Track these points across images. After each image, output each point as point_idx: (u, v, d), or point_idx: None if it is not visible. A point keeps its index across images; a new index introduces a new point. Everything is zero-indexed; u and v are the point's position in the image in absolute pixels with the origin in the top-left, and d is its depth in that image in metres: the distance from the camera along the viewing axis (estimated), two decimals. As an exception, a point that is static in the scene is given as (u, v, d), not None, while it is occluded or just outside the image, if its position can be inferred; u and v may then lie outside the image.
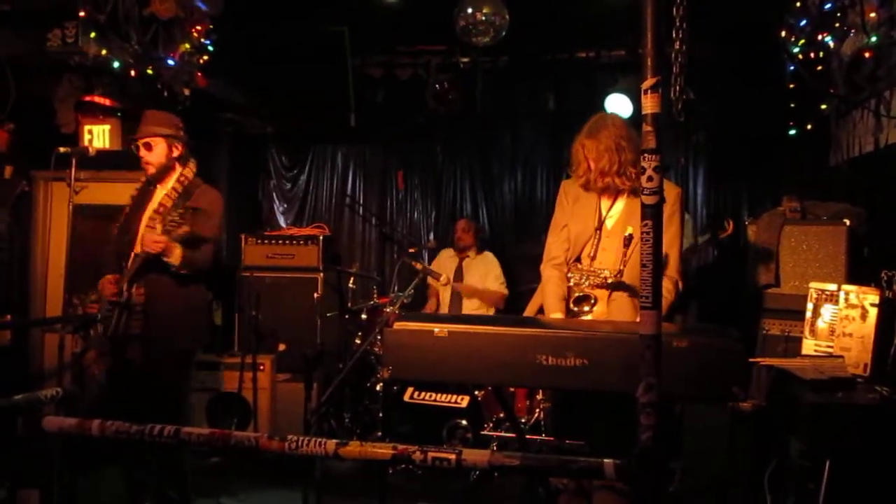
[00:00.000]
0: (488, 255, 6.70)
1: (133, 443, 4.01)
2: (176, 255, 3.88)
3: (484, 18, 6.03)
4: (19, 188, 5.51)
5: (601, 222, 3.54)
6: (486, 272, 6.58)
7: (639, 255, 1.89)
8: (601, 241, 3.54)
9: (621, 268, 3.41)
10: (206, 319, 4.33)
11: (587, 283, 3.50)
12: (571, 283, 3.56)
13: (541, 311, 3.70)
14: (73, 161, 3.83)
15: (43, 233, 5.74)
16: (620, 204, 3.54)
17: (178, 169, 4.14)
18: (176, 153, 4.11)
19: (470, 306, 6.45)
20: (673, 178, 6.61)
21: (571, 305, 3.52)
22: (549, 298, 3.58)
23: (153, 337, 3.97)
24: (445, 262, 6.68)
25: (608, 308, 3.47)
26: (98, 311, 4.02)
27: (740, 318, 4.68)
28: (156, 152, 4.05)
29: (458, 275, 6.56)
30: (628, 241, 3.33)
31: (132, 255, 3.96)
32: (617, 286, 3.43)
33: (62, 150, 3.82)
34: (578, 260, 3.59)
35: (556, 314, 3.50)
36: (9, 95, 4.95)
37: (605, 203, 3.57)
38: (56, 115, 5.02)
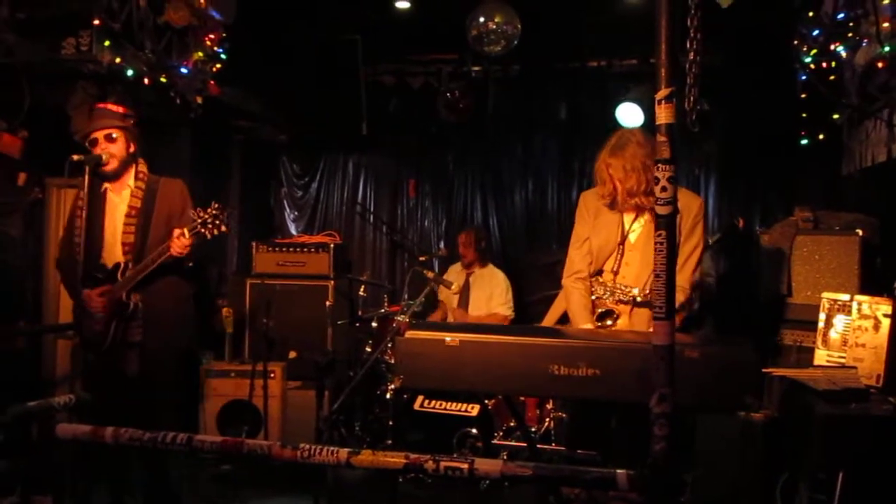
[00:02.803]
0: (495, 272, 6.56)
1: (117, 459, 4.02)
2: (190, 254, 3.89)
3: (496, 27, 6.05)
4: (32, 195, 5.53)
5: (624, 237, 3.53)
6: (490, 291, 6.45)
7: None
8: (624, 255, 3.53)
9: (649, 280, 3.40)
10: (193, 309, 4.28)
11: (611, 299, 3.50)
12: (594, 298, 3.56)
13: (561, 320, 3.69)
14: (87, 169, 3.83)
15: (56, 240, 5.76)
16: (643, 219, 3.53)
17: (133, 166, 4.06)
18: (132, 149, 4.04)
19: (474, 317, 6.42)
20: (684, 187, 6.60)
21: (595, 320, 3.52)
22: (577, 311, 3.58)
23: (153, 340, 3.97)
24: (454, 277, 6.61)
25: (630, 321, 3.47)
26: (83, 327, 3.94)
27: (759, 328, 4.66)
28: (118, 145, 3.97)
29: (466, 291, 6.46)
30: None
31: (121, 264, 3.94)
32: (642, 304, 3.43)
33: (75, 158, 3.80)
34: (600, 273, 3.58)
35: (587, 326, 3.50)
36: (23, 102, 4.97)
37: (627, 217, 3.56)
38: (70, 123, 5.04)
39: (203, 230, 3.77)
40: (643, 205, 3.46)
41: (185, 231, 3.77)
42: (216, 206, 3.82)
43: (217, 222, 3.78)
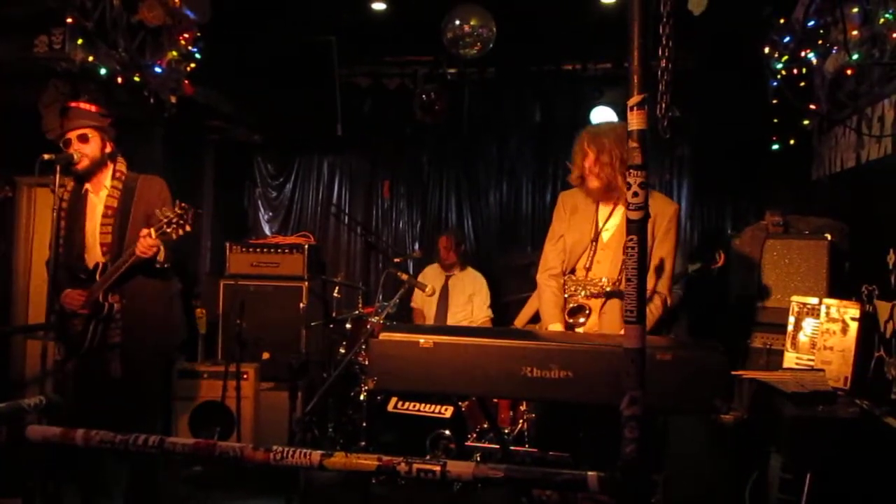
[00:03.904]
0: (475, 274, 6.63)
1: (89, 460, 3.99)
2: (162, 254, 3.84)
3: (471, 30, 6.06)
4: (2, 194, 5.47)
5: (597, 234, 3.57)
6: (473, 293, 6.53)
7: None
8: (597, 253, 3.57)
9: (620, 276, 3.43)
10: (179, 309, 4.24)
11: (582, 294, 3.53)
12: (566, 295, 3.58)
13: (533, 319, 3.72)
14: (58, 168, 3.79)
15: (26, 239, 5.70)
16: (618, 217, 3.56)
17: (111, 166, 4.04)
18: (108, 149, 4.02)
19: (453, 320, 6.45)
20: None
21: (566, 317, 3.55)
22: (547, 309, 3.60)
23: (135, 341, 3.94)
24: (431, 279, 6.60)
25: (599, 319, 3.50)
26: (65, 328, 3.93)
27: (730, 330, 4.71)
28: (91, 145, 3.95)
29: (444, 292, 6.51)
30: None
31: (100, 264, 3.91)
32: (613, 294, 3.46)
33: (47, 156, 3.75)
34: (573, 271, 3.61)
35: (556, 325, 3.52)
36: (-7, 100, 4.92)
37: (602, 214, 3.60)
38: (41, 121, 4.98)
39: (168, 230, 3.72)
40: (612, 184, 3.49)
41: (152, 231, 3.73)
42: (181, 205, 3.77)
43: (181, 222, 3.72)
